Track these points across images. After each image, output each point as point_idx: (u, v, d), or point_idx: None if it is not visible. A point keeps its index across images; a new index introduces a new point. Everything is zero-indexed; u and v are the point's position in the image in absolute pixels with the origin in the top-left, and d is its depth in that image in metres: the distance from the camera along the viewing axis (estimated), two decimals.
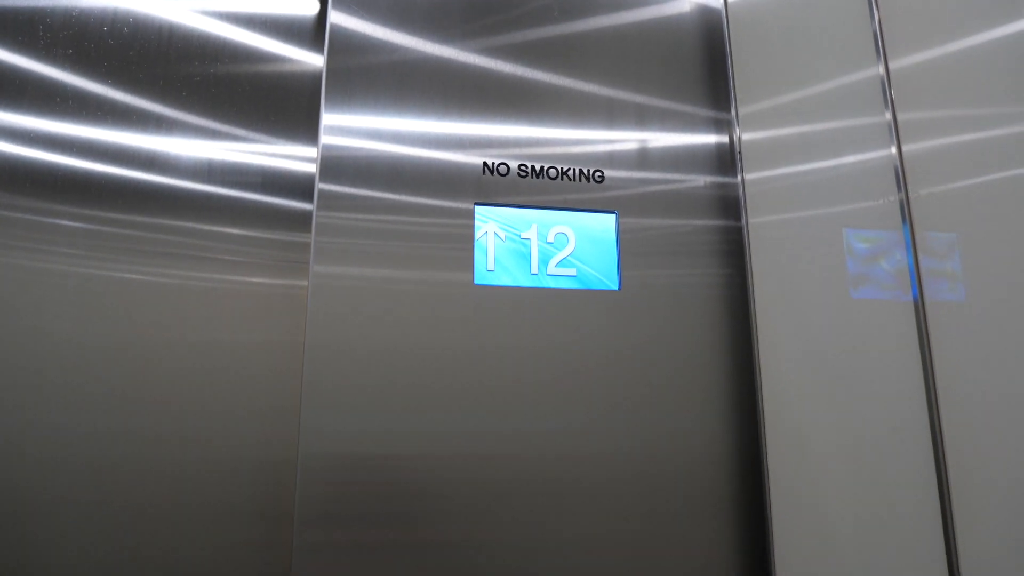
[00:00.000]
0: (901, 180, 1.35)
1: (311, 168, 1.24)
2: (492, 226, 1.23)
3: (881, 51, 1.41)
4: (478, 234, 1.20)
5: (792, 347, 1.27)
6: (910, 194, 1.35)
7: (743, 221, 1.32)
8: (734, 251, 1.32)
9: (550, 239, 1.23)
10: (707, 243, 1.31)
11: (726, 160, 1.37)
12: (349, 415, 1.09)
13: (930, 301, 1.33)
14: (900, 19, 1.46)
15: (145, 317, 1.12)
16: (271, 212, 1.21)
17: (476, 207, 1.21)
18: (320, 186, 1.15)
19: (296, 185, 1.23)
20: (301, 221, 1.21)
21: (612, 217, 1.27)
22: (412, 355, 1.13)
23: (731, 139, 1.37)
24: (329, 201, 1.15)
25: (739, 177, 1.34)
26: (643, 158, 1.32)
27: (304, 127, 1.25)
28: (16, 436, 1.04)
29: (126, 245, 1.14)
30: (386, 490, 1.08)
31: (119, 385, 1.09)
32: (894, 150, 1.36)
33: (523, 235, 1.22)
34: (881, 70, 1.40)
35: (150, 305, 1.13)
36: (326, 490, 1.06)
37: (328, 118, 1.18)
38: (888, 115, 1.38)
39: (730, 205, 1.34)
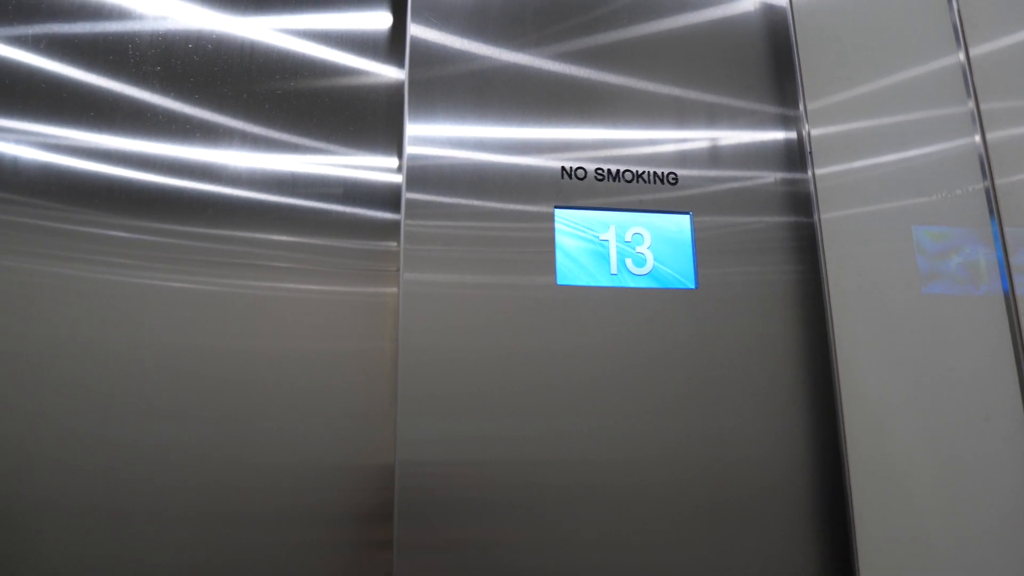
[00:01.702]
0: (987, 170, 1.34)
1: (390, 178, 1.26)
2: (571, 229, 1.24)
3: (961, 38, 1.39)
4: (559, 236, 1.21)
5: (872, 345, 1.26)
6: (996, 184, 1.33)
7: (815, 217, 1.31)
8: (806, 247, 1.31)
9: (627, 239, 1.23)
10: (780, 240, 1.30)
11: (795, 156, 1.36)
12: (444, 421, 1.11)
13: (1021, 295, 1.31)
14: (980, 4, 1.44)
15: (238, 328, 1.16)
16: (354, 222, 1.24)
17: (556, 210, 1.22)
18: (407, 195, 1.17)
19: (376, 195, 1.25)
20: (383, 230, 1.23)
21: (687, 218, 1.27)
22: (501, 359, 1.15)
23: (799, 135, 1.37)
24: (416, 210, 1.17)
25: (810, 173, 1.33)
26: (714, 157, 1.32)
27: (382, 138, 1.27)
28: (110, 447, 1.08)
29: (215, 259, 1.17)
30: (482, 494, 1.10)
31: (212, 394, 1.12)
32: (978, 139, 1.34)
33: (601, 237, 1.23)
34: (962, 57, 1.39)
35: (242, 316, 1.16)
36: (424, 496, 1.08)
37: (412, 128, 1.21)
38: (971, 104, 1.36)
39: (801, 201, 1.34)
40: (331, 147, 1.25)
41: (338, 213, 1.24)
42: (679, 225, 1.27)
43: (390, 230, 1.23)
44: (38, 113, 1.16)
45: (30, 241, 1.11)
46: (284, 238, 1.20)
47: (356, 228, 1.23)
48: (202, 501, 1.08)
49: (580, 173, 1.25)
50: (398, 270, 1.20)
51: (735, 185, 1.32)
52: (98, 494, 1.05)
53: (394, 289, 1.21)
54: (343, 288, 1.21)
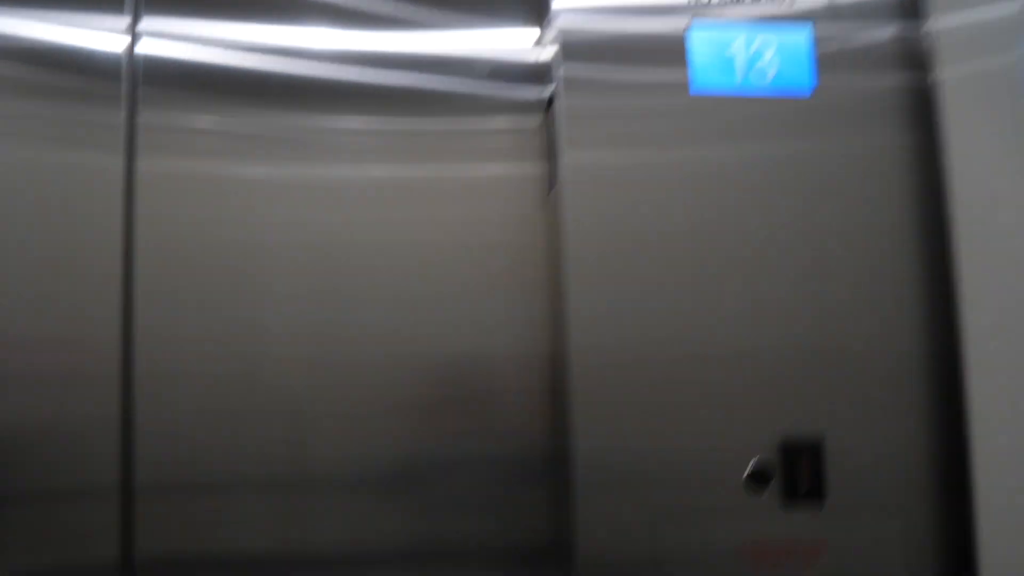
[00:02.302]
0: None
1: (533, 54, 1.28)
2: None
3: None
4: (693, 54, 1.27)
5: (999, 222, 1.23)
6: None
7: (933, 76, 1.29)
8: (920, 110, 1.29)
9: (752, 52, 1.30)
10: (893, 102, 1.30)
11: (910, 7, 1.33)
12: (613, 302, 1.16)
13: None
14: None
15: (398, 216, 1.21)
16: (498, 101, 1.27)
17: (690, 31, 1.27)
18: (562, 70, 1.20)
19: (521, 72, 1.28)
20: (527, 108, 1.27)
21: (806, 29, 1.31)
22: (656, 231, 1.20)
23: None
24: (573, 86, 1.20)
25: (926, 26, 1.30)
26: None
27: (521, 9, 1.27)
28: (280, 340, 1.18)
29: (373, 145, 1.22)
30: (654, 369, 1.17)
31: (374, 283, 1.20)
32: None
33: (730, 50, 1.30)
34: None
35: (404, 204, 1.22)
36: (597, 379, 1.14)
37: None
38: None
39: (918, 57, 1.31)
40: (475, 21, 1.27)
41: (488, 94, 1.26)
42: (798, 38, 1.32)
43: (532, 108, 1.27)
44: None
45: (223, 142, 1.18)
46: (426, 122, 1.24)
47: (500, 107, 1.27)
48: (359, 392, 1.18)
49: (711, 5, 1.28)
50: (545, 148, 1.25)
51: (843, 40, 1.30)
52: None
53: (539, 168, 1.26)
54: (487, 170, 1.25)
